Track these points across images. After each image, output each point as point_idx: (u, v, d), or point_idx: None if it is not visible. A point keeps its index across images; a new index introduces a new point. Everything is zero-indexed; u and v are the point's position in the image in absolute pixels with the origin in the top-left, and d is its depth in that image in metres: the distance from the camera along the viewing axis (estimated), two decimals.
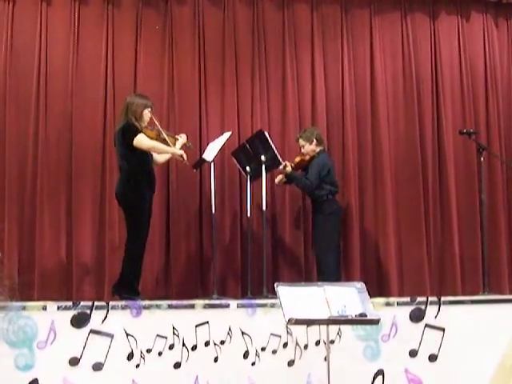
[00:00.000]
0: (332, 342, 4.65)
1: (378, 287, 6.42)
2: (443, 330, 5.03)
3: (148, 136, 5.31)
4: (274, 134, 6.46)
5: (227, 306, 4.90)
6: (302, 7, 6.87)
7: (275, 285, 3.91)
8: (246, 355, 4.75)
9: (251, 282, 5.82)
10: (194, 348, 4.69)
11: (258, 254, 6.01)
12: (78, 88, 6.25)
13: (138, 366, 4.59)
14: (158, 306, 4.75)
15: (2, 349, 4.30)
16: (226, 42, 6.64)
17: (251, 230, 6.07)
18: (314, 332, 4.76)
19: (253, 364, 4.76)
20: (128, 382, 4.56)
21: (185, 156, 5.38)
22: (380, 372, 4.90)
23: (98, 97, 6.29)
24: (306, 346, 4.83)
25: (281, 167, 5.93)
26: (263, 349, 4.78)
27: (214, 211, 5.84)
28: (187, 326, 4.69)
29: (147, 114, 5.38)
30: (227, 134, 5.94)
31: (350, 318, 3.88)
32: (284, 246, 6.57)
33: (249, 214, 5.96)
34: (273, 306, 4.73)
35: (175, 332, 4.66)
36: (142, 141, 5.22)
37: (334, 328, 4.68)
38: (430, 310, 5.05)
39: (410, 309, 5.04)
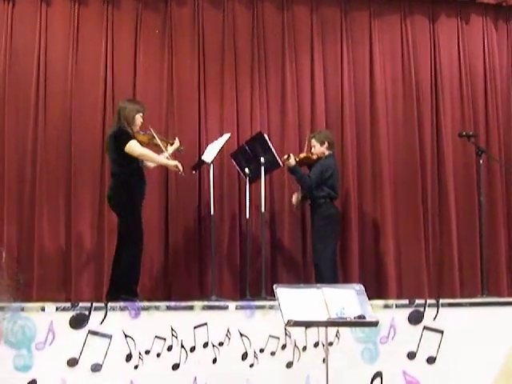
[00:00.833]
0: (330, 343, 4.63)
1: (376, 289, 6.40)
2: (442, 332, 5.03)
3: (140, 140, 5.34)
4: (273, 136, 6.46)
5: (226, 307, 4.90)
6: (301, 10, 6.87)
7: (274, 286, 3.92)
8: (244, 357, 4.75)
9: (250, 283, 5.82)
10: (193, 349, 4.69)
11: (256, 256, 6.02)
12: (77, 89, 6.25)
13: (136, 367, 4.59)
14: (156, 308, 4.75)
15: (1, 350, 4.30)
16: (226, 44, 6.64)
17: (250, 232, 6.07)
18: (313, 334, 4.76)
19: (251, 366, 4.76)
20: (126, 383, 4.55)
21: (180, 166, 5.38)
22: (378, 374, 4.90)
23: (98, 97, 6.30)
24: (304, 348, 4.83)
25: (284, 158, 5.90)
26: (262, 350, 4.77)
27: (212, 213, 5.83)
28: (186, 327, 4.69)
29: (139, 118, 5.42)
30: (226, 136, 5.94)
31: (348, 320, 3.89)
32: (283, 247, 6.57)
33: (248, 216, 5.95)
34: (271, 307, 4.73)
35: (174, 333, 4.66)
36: (133, 148, 5.23)
37: (332, 330, 4.68)
38: (429, 313, 5.05)
39: (408, 311, 5.04)
